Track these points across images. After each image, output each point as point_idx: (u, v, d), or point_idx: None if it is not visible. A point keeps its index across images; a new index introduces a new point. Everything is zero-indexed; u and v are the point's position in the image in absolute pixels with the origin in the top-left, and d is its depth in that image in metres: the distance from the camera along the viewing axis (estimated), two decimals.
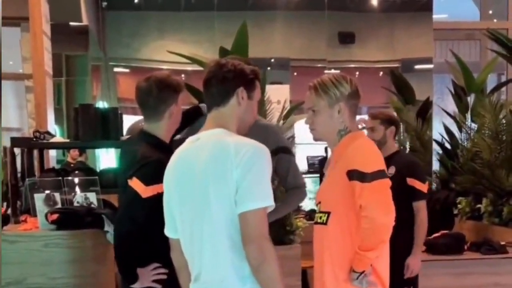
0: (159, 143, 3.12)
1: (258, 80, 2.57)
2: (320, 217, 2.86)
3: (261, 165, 2.32)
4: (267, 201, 2.31)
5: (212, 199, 2.33)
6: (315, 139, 2.97)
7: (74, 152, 9.30)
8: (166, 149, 2.96)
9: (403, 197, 4.17)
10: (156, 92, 3.10)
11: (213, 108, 2.50)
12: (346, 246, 2.78)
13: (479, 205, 6.29)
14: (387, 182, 2.76)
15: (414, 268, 4.45)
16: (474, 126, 7.12)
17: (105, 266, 4.31)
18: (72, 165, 8.69)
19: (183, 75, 13.96)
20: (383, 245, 2.76)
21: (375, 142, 4.02)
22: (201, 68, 8.52)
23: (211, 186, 2.33)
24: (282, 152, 3.60)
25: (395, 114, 5.02)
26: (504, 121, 6.37)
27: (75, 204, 4.37)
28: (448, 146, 7.39)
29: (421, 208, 4.46)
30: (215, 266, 2.37)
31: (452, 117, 7.48)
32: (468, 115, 7.28)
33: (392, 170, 4.30)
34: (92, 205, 4.39)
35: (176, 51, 8.02)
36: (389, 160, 4.06)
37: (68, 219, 4.18)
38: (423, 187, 4.49)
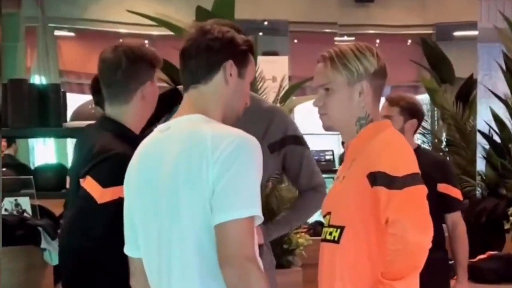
0: (125, 132, 3.12)
1: (252, 54, 2.58)
2: (330, 233, 2.84)
3: (245, 162, 2.31)
4: (252, 209, 2.28)
5: (182, 207, 2.34)
6: (326, 127, 2.93)
7: (1, 143, 9.31)
8: (133, 141, 2.87)
9: (433, 208, 4.15)
10: (126, 65, 3.10)
11: (190, 86, 2.50)
12: (364, 271, 2.76)
13: None
14: (423, 190, 2.75)
15: None
16: None
17: None
18: None
19: (146, 41, 13.93)
20: (416, 272, 2.72)
21: None
22: (170, 33, 8.48)
23: (182, 189, 2.34)
24: (292, 143, 3.55)
25: (421, 102, 4.99)
26: None
27: (3, 212, 4.33)
28: (497, 139, 7.39)
29: (459, 220, 4.53)
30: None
31: (503, 100, 7.47)
32: None
33: None
34: (25, 214, 4.40)
35: (138, 9, 8.02)
36: None
37: None
38: (458, 194, 4.56)
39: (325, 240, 2.87)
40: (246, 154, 2.32)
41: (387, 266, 2.67)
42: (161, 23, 6.57)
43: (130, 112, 3.16)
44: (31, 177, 4.57)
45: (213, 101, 2.49)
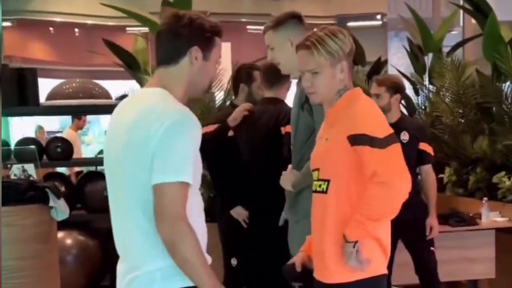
0: None
1: (221, 37, 2.65)
2: (320, 185, 3.03)
3: (181, 136, 2.40)
4: (183, 176, 2.38)
5: (128, 167, 2.46)
6: (315, 103, 3.14)
7: None
8: None
9: (414, 162, 5.03)
10: None
11: (161, 65, 2.61)
12: (347, 215, 2.92)
13: (441, 175, 6.66)
14: (400, 147, 2.94)
15: (436, 227, 5.24)
16: (432, 88, 7.54)
17: (49, 246, 4.53)
18: None
19: (76, 30, 13.86)
20: (390, 216, 2.94)
21: None
22: (102, 23, 8.24)
23: (129, 152, 2.46)
24: None
25: (401, 79, 5.45)
26: (467, 82, 6.87)
27: (12, 176, 4.53)
28: (404, 110, 7.40)
29: (431, 171, 5.26)
30: (130, 242, 2.53)
31: (407, 77, 7.78)
32: (426, 76, 7.69)
33: (405, 136, 5.01)
34: (31, 178, 4.58)
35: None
36: (398, 126, 4.75)
37: (8, 193, 4.29)
38: (431, 150, 5.23)
39: (316, 191, 3.07)
40: (182, 130, 2.40)
41: (371, 208, 2.86)
42: (131, 15, 6.62)
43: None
44: (35, 147, 4.73)
45: (177, 79, 2.58)
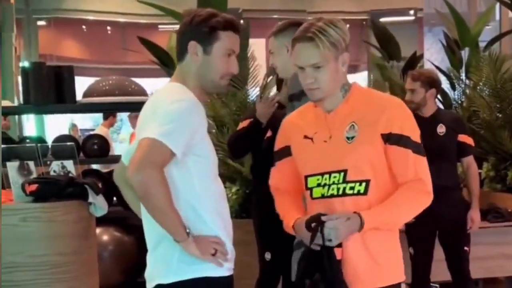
0: None
1: (234, 30, 2.72)
2: (351, 187, 2.81)
3: (178, 110, 2.51)
4: (166, 137, 2.44)
5: None
6: (317, 99, 2.87)
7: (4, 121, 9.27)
8: None
9: (454, 155, 5.07)
10: None
11: (177, 63, 2.77)
12: None
13: (479, 171, 6.33)
14: None
15: (478, 220, 5.14)
16: (469, 83, 7.52)
17: (88, 242, 4.58)
18: None
19: (108, 28, 14.06)
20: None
21: (414, 104, 4.91)
22: (134, 21, 8.22)
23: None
24: None
25: (436, 73, 5.38)
26: (506, 76, 6.83)
27: (52, 173, 4.59)
28: (440, 105, 7.57)
29: (472, 162, 5.23)
30: (147, 226, 2.69)
31: (443, 72, 7.75)
32: (463, 71, 7.71)
33: (442, 128, 5.04)
34: (70, 174, 4.60)
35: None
36: (434, 119, 5.00)
37: (49, 190, 4.37)
38: (472, 141, 5.21)
39: (343, 195, 2.82)
40: (181, 107, 2.53)
41: (409, 210, 2.87)
42: (167, 12, 6.65)
43: None
44: (73, 143, 4.79)
45: (187, 74, 2.72)
